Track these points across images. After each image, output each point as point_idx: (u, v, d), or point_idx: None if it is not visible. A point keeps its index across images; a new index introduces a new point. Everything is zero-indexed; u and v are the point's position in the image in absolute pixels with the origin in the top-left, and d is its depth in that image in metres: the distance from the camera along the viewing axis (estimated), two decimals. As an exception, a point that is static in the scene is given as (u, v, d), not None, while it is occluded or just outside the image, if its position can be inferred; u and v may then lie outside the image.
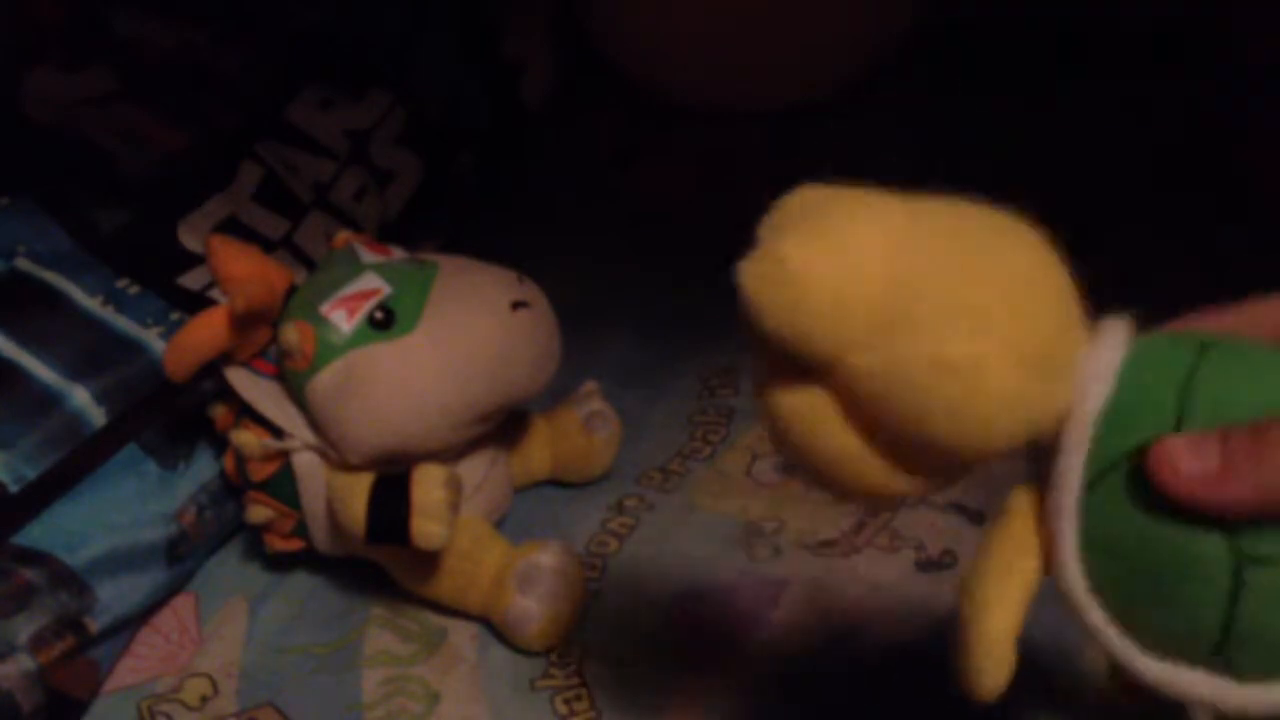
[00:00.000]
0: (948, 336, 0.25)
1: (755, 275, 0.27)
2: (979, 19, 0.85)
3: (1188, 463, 0.24)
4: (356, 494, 0.47)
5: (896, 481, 0.28)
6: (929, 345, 0.25)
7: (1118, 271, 0.70)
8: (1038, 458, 0.27)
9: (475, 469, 0.51)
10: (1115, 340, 0.27)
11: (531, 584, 0.48)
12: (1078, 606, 0.27)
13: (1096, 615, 0.27)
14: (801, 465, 0.29)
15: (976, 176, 0.81)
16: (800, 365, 0.27)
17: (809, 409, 0.27)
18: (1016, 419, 0.26)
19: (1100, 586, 0.27)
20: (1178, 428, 0.25)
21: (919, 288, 0.25)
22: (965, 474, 0.28)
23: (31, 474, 0.48)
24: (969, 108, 0.82)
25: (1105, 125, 0.80)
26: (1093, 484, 0.26)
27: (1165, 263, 0.67)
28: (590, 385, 0.58)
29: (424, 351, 0.46)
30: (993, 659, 0.27)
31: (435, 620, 0.51)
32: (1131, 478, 0.25)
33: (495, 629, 0.50)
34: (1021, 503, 0.28)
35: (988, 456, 0.26)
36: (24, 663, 0.44)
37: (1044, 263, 0.27)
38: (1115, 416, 0.26)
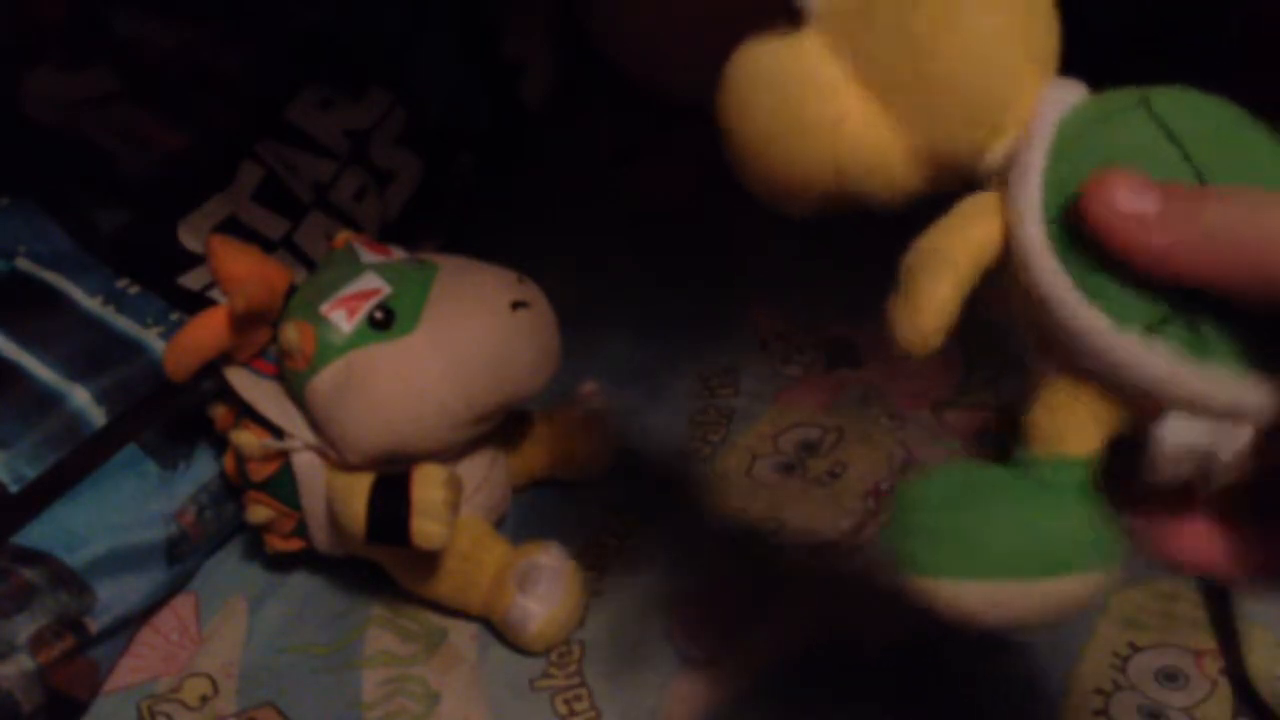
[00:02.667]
0: None
1: None
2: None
3: (1124, 201, 0.23)
4: (356, 494, 0.47)
5: (891, 163, 0.27)
6: None
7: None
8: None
9: (475, 469, 0.51)
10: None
11: (531, 584, 0.48)
12: (1042, 271, 0.25)
13: (1062, 281, 0.25)
14: (761, 147, 0.27)
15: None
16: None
17: (801, 57, 0.26)
18: (998, 54, 0.25)
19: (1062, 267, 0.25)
20: (1145, 99, 0.25)
21: None
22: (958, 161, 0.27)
23: (31, 474, 0.48)
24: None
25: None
26: (1062, 144, 0.25)
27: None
28: (590, 385, 0.58)
29: (424, 351, 0.46)
30: (939, 321, 0.26)
31: (435, 620, 0.51)
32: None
33: (495, 629, 0.50)
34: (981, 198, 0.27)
35: (980, 99, 0.26)
36: (24, 663, 0.44)
37: None
38: (1082, 123, 0.25)
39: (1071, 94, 0.26)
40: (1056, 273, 0.25)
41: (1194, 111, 0.25)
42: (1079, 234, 0.24)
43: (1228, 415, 0.23)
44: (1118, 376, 0.24)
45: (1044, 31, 0.26)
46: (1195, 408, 0.23)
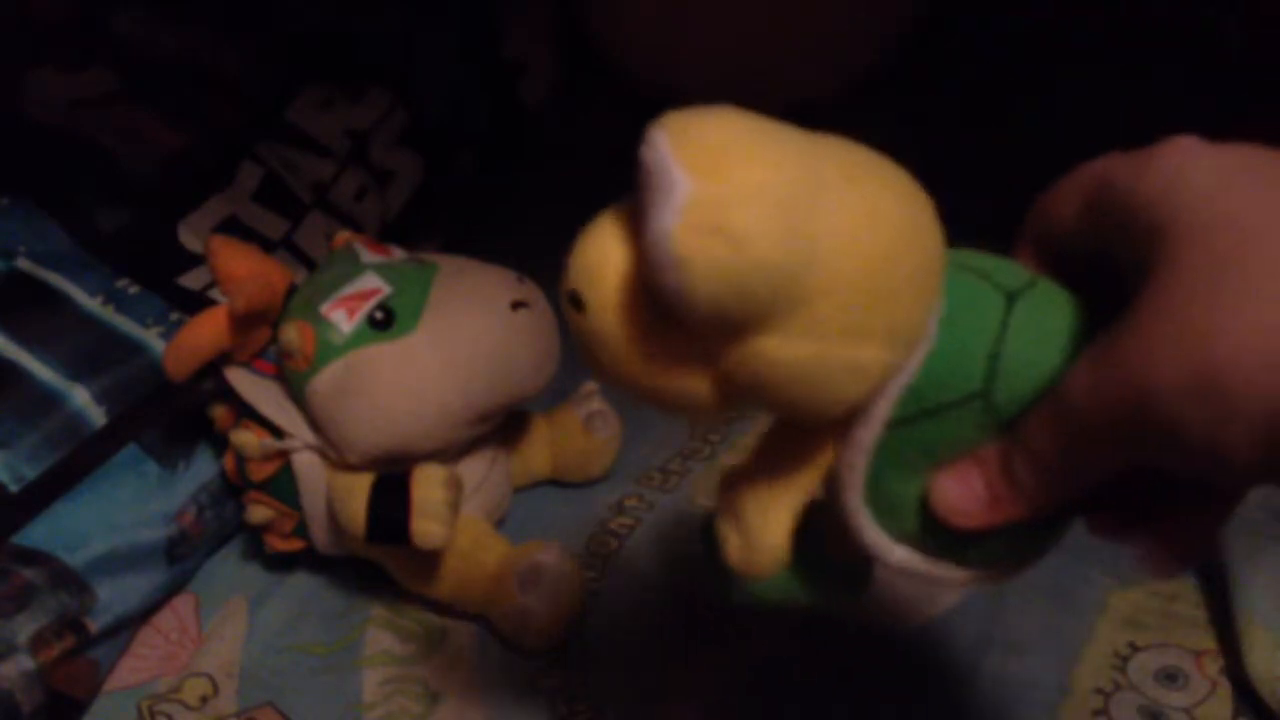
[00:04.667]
0: (856, 339, 0.25)
1: (693, 234, 0.23)
2: (979, 19, 0.85)
3: (959, 499, 0.27)
4: (356, 494, 0.47)
5: (718, 408, 0.27)
6: (842, 346, 0.25)
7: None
8: None
9: (475, 469, 0.51)
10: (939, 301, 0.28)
11: (531, 584, 0.48)
12: (856, 516, 0.29)
13: (869, 522, 0.29)
14: (623, 389, 0.28)
15: (975, 176, 0.83)
16: (688, 337, 0.26)
17: (685, 384, 0.27)
18: (858, 390, 0.27)
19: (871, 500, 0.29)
20: (986, 392, 0.27)
21: (826, 272, 0.24)
22: None
23: (31, 474, 0.48)
24: (968, 108, 0.82)
25: (1105, 124, 0.80)
26: (896, 424, 0.28)
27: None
28: (590, 385, 0.58)
29: (424, 351, 0.46)
30: (775, 561, 0.30)
31: (435, 620, 0.51)
32: (926, 431, 0.28)
33: (495, 629, 0.50)
34: (796, 448, 0.30)
35: (847, 412, 0.28)
36: (24, 663, 0.44)
37: (897, 226, 0.26)
38: (931, 375, 0.27)
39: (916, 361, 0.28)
40: (865, 515, 0.29)
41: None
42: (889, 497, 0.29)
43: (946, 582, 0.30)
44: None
45: (927, 309, 0.27)
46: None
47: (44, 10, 0.60)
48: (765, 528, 0.30)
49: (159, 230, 0.56)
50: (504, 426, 0.52)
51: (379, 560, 0.51)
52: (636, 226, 0.25)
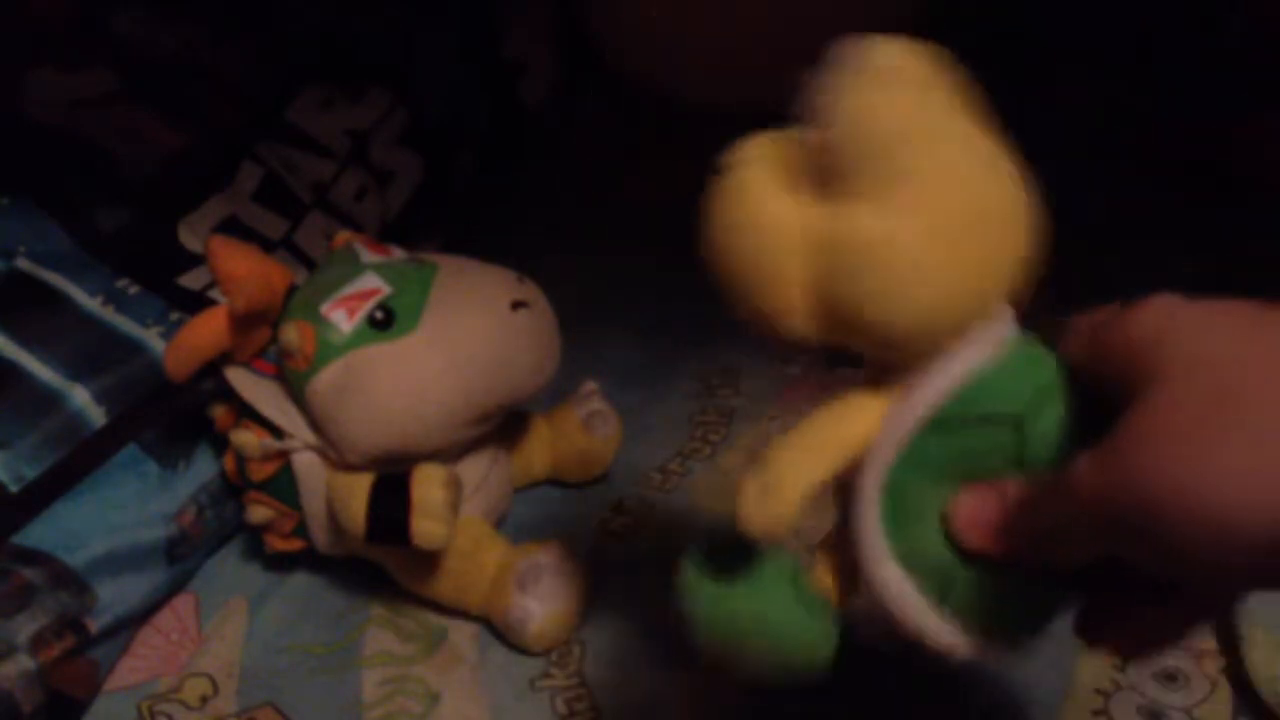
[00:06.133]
0: (900, 215, 0.28)
1: (872, 92, 0.28)
2: (978, 20, 0.85)
3: (973, 513, 0.30)
4: (356, 494, 0.47)
5: (803, 328, 0.30)
6: (885, 214, 0.28)
7: (1119, 267, 0.70)
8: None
9: (475, 469, 0.51)
10: (1000, 330, 0.30)
11: (531, 584, 0.48)
12: (864, 505, 0.31)
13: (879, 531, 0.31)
14: (726, 271, 0.31)
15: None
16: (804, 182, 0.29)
17: (785, 223, 0.29)
18: (918, 308, 0.28)
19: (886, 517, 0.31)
20: (1023, 420, 0.29)
21: (929, 172, 0.28)
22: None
23: (31, 474, 0.48)
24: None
25: (1106, 123, 0.80)
26: (936, 425, 0.30)
27: (1167, 257, 0.67)
28: (590, 385, 0.58)
29: (424, 351, 0.46)
30: (785, 516, 0.30)
31: (435, 620, 0.51)
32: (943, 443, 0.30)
33: (495, 629, 0.50)
34: (858, 405, 0.31)
35: (905, 337, 0.29)
36: (24, 663, 0.44)
37: (1005, 189, 0.29)
38: (985, 382, 0.29)
39: (992, 337, 0.30)
40: (875, 509, 0.31)
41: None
42: (905, 511, 0.30)
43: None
44: (885, 607, 0.31)
45: (997, 276, 0.29)
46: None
47: (44, 10, 0.60)
48: (787, 479, 0.30)
49: (159, 230, 0.56)
50: (504, 426, 0.52)
51: (379, 560, 0.51)
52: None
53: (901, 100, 0.28)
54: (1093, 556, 0.28)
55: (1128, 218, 0.71)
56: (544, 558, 0.49)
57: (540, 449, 0.56)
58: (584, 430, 0.56)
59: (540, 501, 0.57)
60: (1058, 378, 0.30)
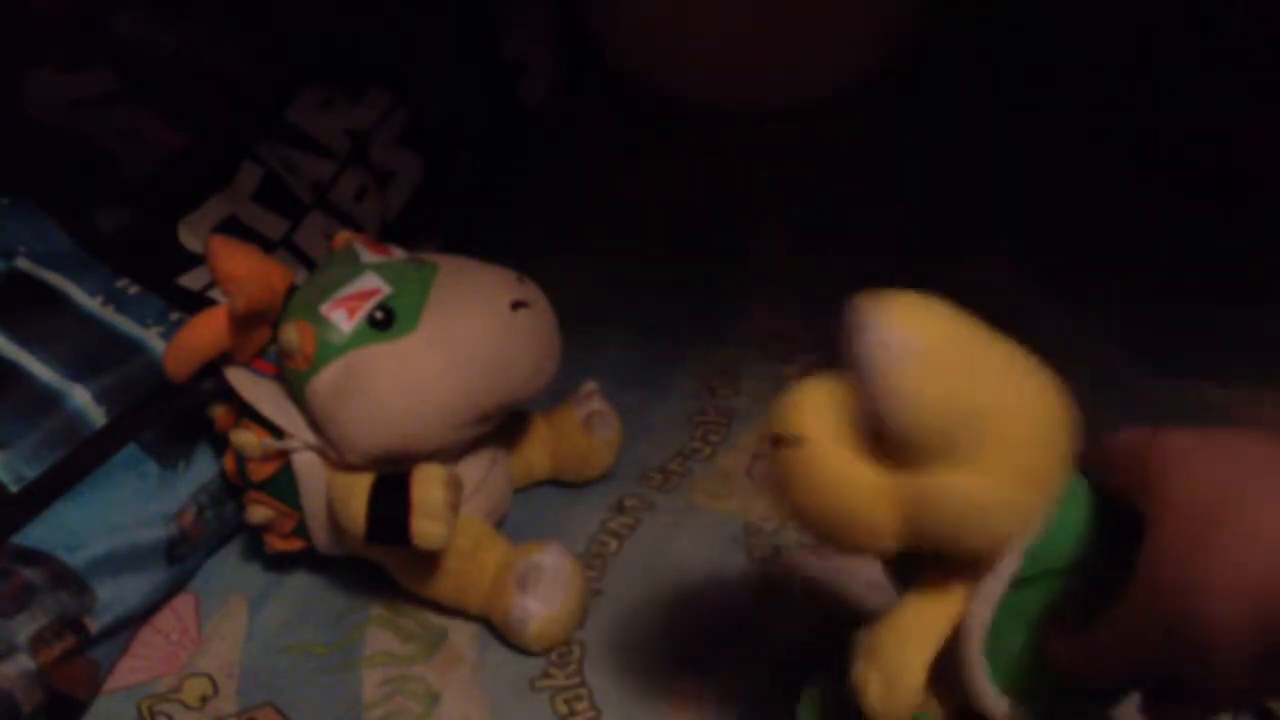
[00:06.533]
0: (978, 473, 0.32)
1: (930, 377, 0.31)
2: (978, 20, 0.85)
3: (1067, 655, 0.34)
4: (356, 494, 0.47)
5: (889, 551, 0.34)
6: (966, 474, 0.32)
7: (1120, 267, 0.70)
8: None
9: (475, 469, 0.51)
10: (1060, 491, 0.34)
11: (531, 584, 0.48)
12: (973, 665, 0.35)
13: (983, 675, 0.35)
14: (813, 520, 0.34)
15: (975, 177, 0.82)
16: (881, 450, 0.33)
17: (871, 488, 0.33)
18: (1008, 530, 0.33)
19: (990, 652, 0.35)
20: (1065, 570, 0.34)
21: (1000, 434, 0.32)
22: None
23: (31, 474, 0.48)
24: (969, 108, 0.82)
25: (1106, 123, 0.80)
26: (1015, 586, 0.34)
27: (1168, 257, 0.67)
28: (590, 385, 0.58)
29: (424, 351, 0.46)
30: (912, 701, 0.34)
31: (435, 620, 0.51)
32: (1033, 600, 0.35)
33: (495, 629, 0.50)
34: (936, 597, 0.35)
35: (993, 551, 0.34)
36: (24, 663, 0.44)
37: (1053, 406, 0.33)
38: (1041, 551, 0.34)
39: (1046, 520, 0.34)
40: (981, 665, 0.35)
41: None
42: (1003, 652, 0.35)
43: None
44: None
45: (1057, 484, 0.33)
46: None
47: (44, 10, 0.60)
48: (905, 667, 0.34)
49: (159, 230, 0.56)
50: (504, 426, 0.52)
51: (379, 560, 0.51)
52: (853, 379, 0.32)
53: (955, 380, 0.31)
54: (1148, 673, 0.33)
55: (1128, 218, 0.71)
56: (544, 558, 0.49)
57: (540, 449, 0.56)
58: (584, 430, 0.56)
59: (540, 501, 0.57)
60: (1090, 512, 0.34)
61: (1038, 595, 0.34)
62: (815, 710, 0.40)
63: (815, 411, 0.33)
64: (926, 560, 0.35)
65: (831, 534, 0.34)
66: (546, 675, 0.49)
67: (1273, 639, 0.28)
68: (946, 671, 0.35)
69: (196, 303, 0.54)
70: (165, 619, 0.53)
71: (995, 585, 0.34)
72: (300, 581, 0.54)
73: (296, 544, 0.51)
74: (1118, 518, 0.33)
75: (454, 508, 0.47)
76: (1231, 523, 0.29)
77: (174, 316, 0.54)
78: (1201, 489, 0.30)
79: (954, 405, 0.31)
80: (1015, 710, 0.35)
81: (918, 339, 0.31)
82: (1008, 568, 0.34)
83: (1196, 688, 0.32)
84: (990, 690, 0.35)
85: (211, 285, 0.55)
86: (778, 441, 0.33)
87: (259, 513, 0.50)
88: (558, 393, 0.54)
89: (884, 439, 0.32)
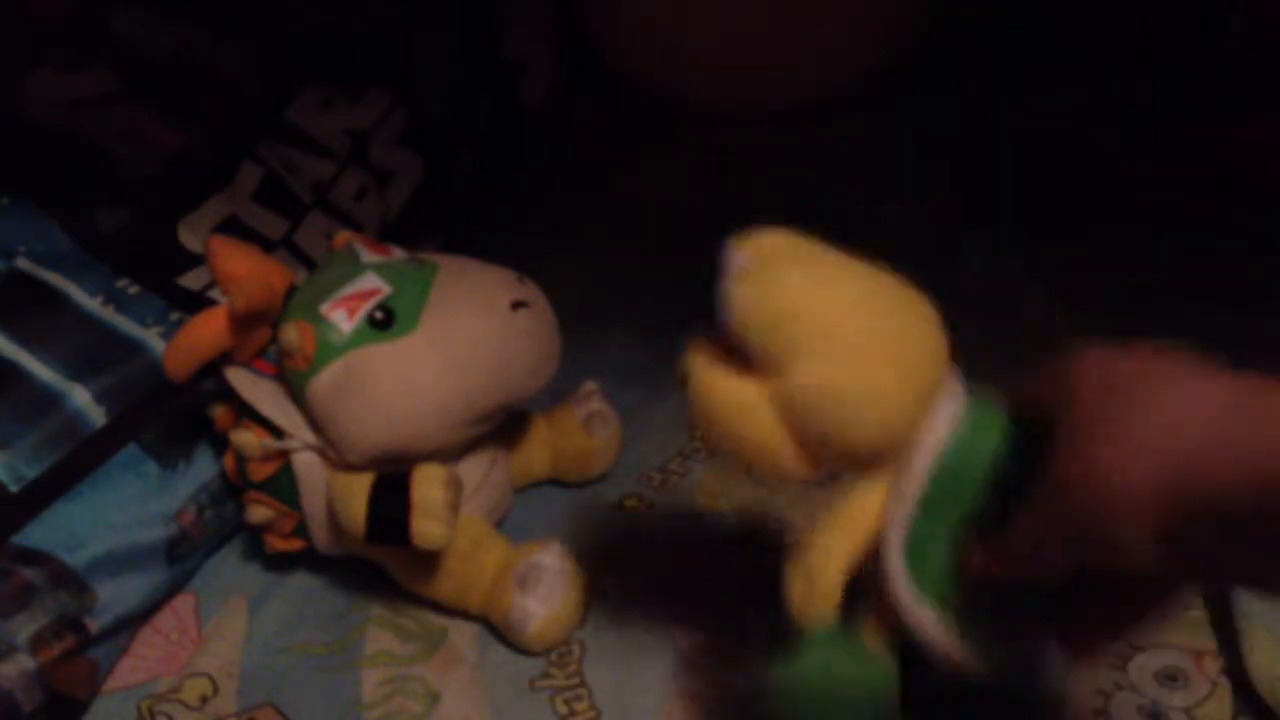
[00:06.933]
0: (821, 365, 0.35)
1: (752, 286, 0.36)
2: (978, 20, 0.85)
3: (982, 560, 0.36)
4: (356, 494, 0.47)
5: (802, 468, 0.37)
6: (810, 368, 0.35)
7: (1120, 267, 0.70)
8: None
9: (475, 469, 0.51)
10: (952, 407, 0.36)
11: (531, 584, 0.48)
12: (895, 579, 0.37)
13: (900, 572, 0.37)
14: (725, 447, 0.38)
15: (975, 177, 0.82)
16: (747, 364, 0.36)
17: (747, 401, 0.37)
18: (881, 421, 0.36)
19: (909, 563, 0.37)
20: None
21: (825, 327, 0.35)
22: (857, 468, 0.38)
23: (31, 474, 0.48)
24: (969, 108, 0.82)
25: (1106, 123, 0.80)
26: (928, 506, 0.36)
27: (1168, 257, 0.67)
28: (590, 385, 0.58)
29: (424, 351, 0.46)
30: (828, 601, 0.37)
31: (435, 620, 0.51)
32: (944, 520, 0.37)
33: (495, 629, 0.50)
34: (864, 493, 0.37)
35: (872, 452, 0.36)
36: (24, 663, 0.44)
37: (901, 311, 0.36)
38: (949, 471, 0.36)
39: (948, 417, 0.36)
40: (902, 571, 0.37)
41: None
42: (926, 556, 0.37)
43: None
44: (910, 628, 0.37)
45: (923, 376, 0.36)
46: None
47: (44, 10, 0.60)
48: (824, 569, 0.37)
49: (159, 230, 0.56)
50: (504, 426, 0.52)
51: (379, 560, 0.51)
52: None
53: (786, 283, 0.35)
54: (1061, 567, 0.34)
55: (1128, 218, 0.71)
56: (544, 558, 0.49)
57: (540, 449, 0.56)
58: (584, 430, 0.56)
59: (540, 501, 0.57)
60: (1003, 432, 0.36)
61: (953, 513, 0.36)
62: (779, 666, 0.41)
63: (698, 348, 0.38)
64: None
65: (744, 457, 0.37)
66: (546, 675, 0.49)
67: (1172, 507, 0.29)
68: (877, 587, 0.37)
69: (196, 303, 0.54)
70: (165, 619, 0.53)
71: (902, 505, 0.36)
72: (300, 581, 0.54)
73: (296, 544, 0.51)
74: (1039, 446, 0.34)
75: (454, 508, 0.47)
76: (1127, 404, 0.31)
77: (174, 316, 0.54)
78: (1101, 382, 0.32)
79: (774, 307, 0.35)
80: (941, 621, 0.37)
81: (747, 257, 0.36)
82: (918, 468, 0.36)
83: (1105, 577, 0.33)
84: (913, 601, 0.36)
85: (211, 285, 0.55)
86: (681, 384, 0.38)
87: (259, 513, 0.50)
88: (558, 393, 0.54)
89: (743, 353, 0.36)
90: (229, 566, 0.55)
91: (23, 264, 0.54)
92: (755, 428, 0.36)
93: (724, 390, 0.37)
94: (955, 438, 0.36)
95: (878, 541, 0.37)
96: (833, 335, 0.35)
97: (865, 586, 0.38)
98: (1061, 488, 0.32)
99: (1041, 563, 0.34)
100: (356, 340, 0.46)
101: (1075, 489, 0.31)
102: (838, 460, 0.37)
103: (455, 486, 0.47)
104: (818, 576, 0.37)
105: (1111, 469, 0.30)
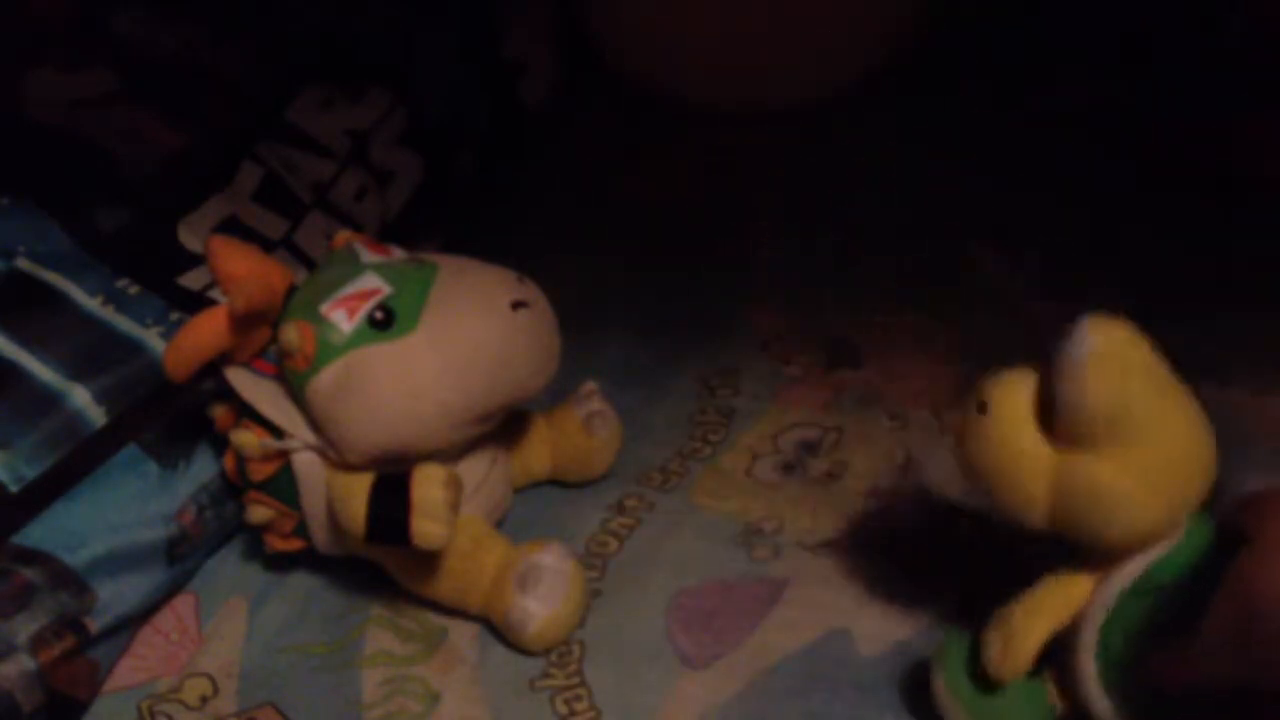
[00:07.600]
0: (1122, 465, 0.37)
1: (1098, 370, 0.37)
2: (978, 20, 0.85)
3: (1161, 667, 0.38)
4: (356, 494, 0.47)
5: (1040, 526, 0.39)
6: (1112, 464, 0.37)
7: (1129, 267, 0.70)
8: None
9: (475, 469, 0.51)
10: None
11: (531, 584, 0.48)
12: (1084, 671, 0.40)
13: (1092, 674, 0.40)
14: (984, 477, 0.40)
15: (975, 177, 0.82)
16: (1048, 419, 0.38)
17: (1040, 462, 0.39)
18: (1134, 530, 0.38)
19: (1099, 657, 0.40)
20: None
21: (1143, 435, 0.37)
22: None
23: (31, 474, 0.48)
24: (969, 108, 0.82)
25: (1106, 123, 0.80)
26: (1132, 594, 0.39)
27: (1168, 257, 0.67)
28: (590, 385, 0.58)
29: (424, 351, 0.46)
30: (1024, 664, 0.41)
31: (435, 620, 0.51)
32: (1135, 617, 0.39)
33: (495, 629, 0.50)
34: (1071, 584, 0.40)
35: (1117, 545, 0.39)
36: (24, 663, 0.44)
37: (1201, 448, 0.38)
38: (1159, 568, 0.39)
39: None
40: (1093, 672, 0.40)
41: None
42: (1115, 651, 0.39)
43: None
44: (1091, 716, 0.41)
45: (1192, 502, 0.38)
46: None
47: (44, 10, 0.60)
48: (1023, 645, 0.40)
49: (159, 230, 0.56)
50: (504, 426, 0.52)
51: (379, 560, 0.51)
52: (1050, 369, 0.38)
53: (1128, 383, 0.37)
54: (1234, 679, 0.36)
55: (1128, 217, 0.71)
56: (544, 558, 0.49)
57: (540, 449, 0.56)
58: (584, 430, 0.56)
59: (540, 501, 0.57)
60: (1208, 551, 0.38)
61: (1144, 608, 0.39)
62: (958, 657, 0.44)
63: (1008, 387, 0.40)
64: (1068, 549, 0.40)
65: (994, 493, 0.40)
66: (546, 675, 0.49)
67: None
68: (1064, 660, 0.40)
69: (196, 303, 0.54)
70: (165, 619, 0.53)
71: (1116, 582, 0.39)
72: (300, 581, 0.54)
73: (296, 544, 0.51)
74: (1225, 562, 0.36)
75: (454, 508, 0.47)
76: None
77: (174, 316, 0.54)
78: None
79: (1116, 403, 0.37)
80: (1116, 710, 0.40)
81: (1109, 345, 0.37)
82: (1130, 572, 0.39)
83: (1273, 693, 0.35)
84: (1099, 695, 0.40)
85: (211, 285, 0.55)
86: (980, 408, 0.40)
87: (259, 513, 0.50)
88: (558, 393, 0.54)
89: (1058, 420, 0.38)
90: (229, 566, 0.55)
91: (23, 264, 0.54)
92: (1030, 483, 0.39)
93: (1025, 440, 0.39)
94: (1172, 548, 0.39)
95: (1073, 626, 0.40)
96: (1146, 443, 0.37)
97: (1055, 655, 0.41)
98: (1231, 601, 0.34)
99: (1213, 675, 0.36)
100: (356, 340, 0.46)
101: (1242, 606, 0.33)
102: (1076, 536, 0.39)
103: (455, 486, 0.47)
104: (1016, 650, 0.40)
105: (1275, 594, 0.33)
